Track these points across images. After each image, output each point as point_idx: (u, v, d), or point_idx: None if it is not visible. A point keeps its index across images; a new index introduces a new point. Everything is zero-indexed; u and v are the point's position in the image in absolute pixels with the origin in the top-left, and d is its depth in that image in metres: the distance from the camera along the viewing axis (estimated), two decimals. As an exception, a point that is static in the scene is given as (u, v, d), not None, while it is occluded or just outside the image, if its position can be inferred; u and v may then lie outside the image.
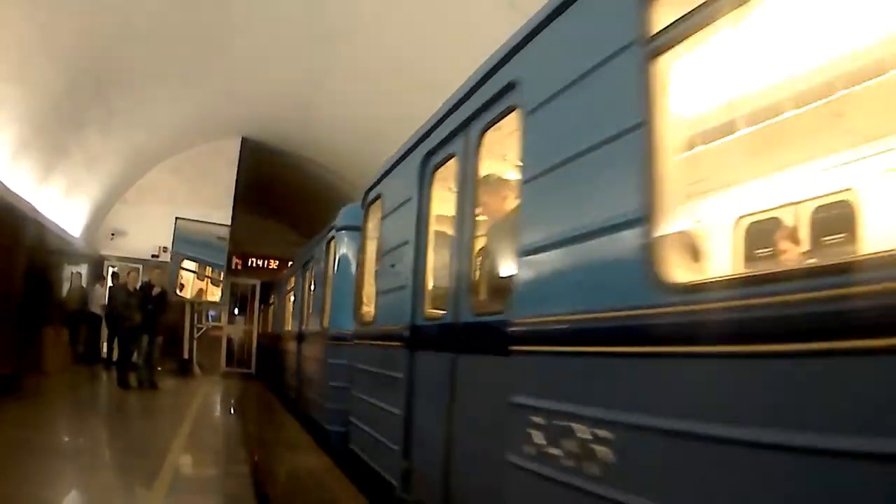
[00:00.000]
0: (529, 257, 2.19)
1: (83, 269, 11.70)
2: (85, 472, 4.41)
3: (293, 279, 10.31)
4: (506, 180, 2.96)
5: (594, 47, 1.95)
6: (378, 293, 4.26)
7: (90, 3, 7.22)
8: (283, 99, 11.26)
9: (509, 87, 2.51)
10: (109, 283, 11.88)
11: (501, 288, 2.51)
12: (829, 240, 2.90)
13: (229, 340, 15.52)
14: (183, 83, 10.14)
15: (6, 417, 5.87)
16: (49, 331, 9.54)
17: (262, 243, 17.24)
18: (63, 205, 10.31)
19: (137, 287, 9.38)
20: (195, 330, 13.10)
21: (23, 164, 8.43)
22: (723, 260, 2.68)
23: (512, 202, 2.70)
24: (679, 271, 1.55)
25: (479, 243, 2.95)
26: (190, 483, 4.32)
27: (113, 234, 12.92)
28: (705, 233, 2.81)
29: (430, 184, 3.47)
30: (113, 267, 12.74)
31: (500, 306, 2.43)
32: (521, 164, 2.38)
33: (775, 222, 2.97)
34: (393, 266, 3.85)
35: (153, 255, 12.98)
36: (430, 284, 3.37)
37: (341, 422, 4.91)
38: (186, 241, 12.69)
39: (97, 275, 12.41)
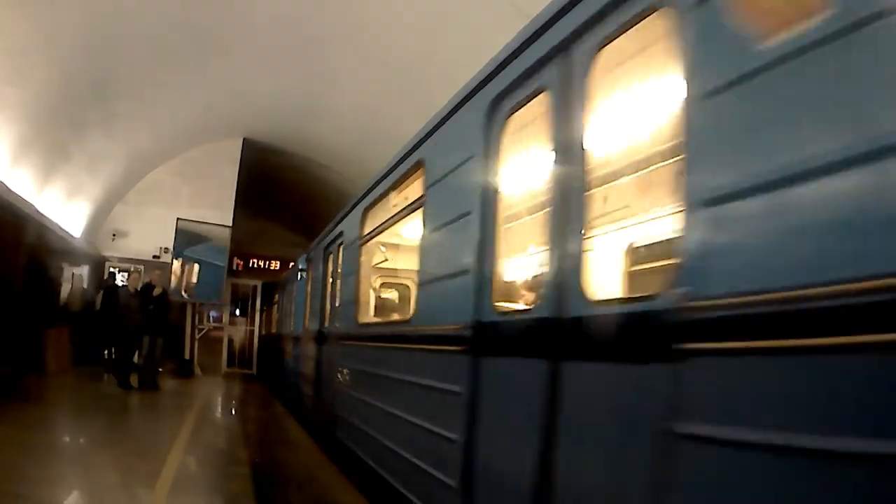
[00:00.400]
0: (337, 305, 5.84)
1: (84, 270, 11.71)
2: (87, 472, 4.42)
3: (277, 295, 13.97)
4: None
5: (351, 234, 5.41)
6: (310, 311, 7.67)
7: (91, 4, 7.23)
8: (285, 100, 11.26)
9: (340, 235, 5.98)
10: (108, 285, 11.91)
11: (327, 315, 6.45)
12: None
13: (230, 341, 15.54)
14: (184, 84, 10.15)
15: (7, 418, 5.88)
16: (50, 331, 9.56)
17: (263, 244, 17.24)
18: (64, 205, 10.33)
19: (138, 288, 9.39)
20: (196, 331, 13.12)
21: (24, 164, 8.45)
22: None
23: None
24: (361, 318, 4.99)
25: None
26: (191, 483, 4.32)
27: (114, 235, 12.93)
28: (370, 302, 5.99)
29: (327, 261, 6.78)
30: (113, 268, 12.77)
31: (328, 324, 6.14)
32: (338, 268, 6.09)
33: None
34: (313, 298, 7.39)
35: (154, 256, 12.99)
36: (327, 309, 6.54)
37: (296, 383, 8.35)
38: (188, 242, 12.70)
39: (100, 276, 12.44)
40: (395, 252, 6.02)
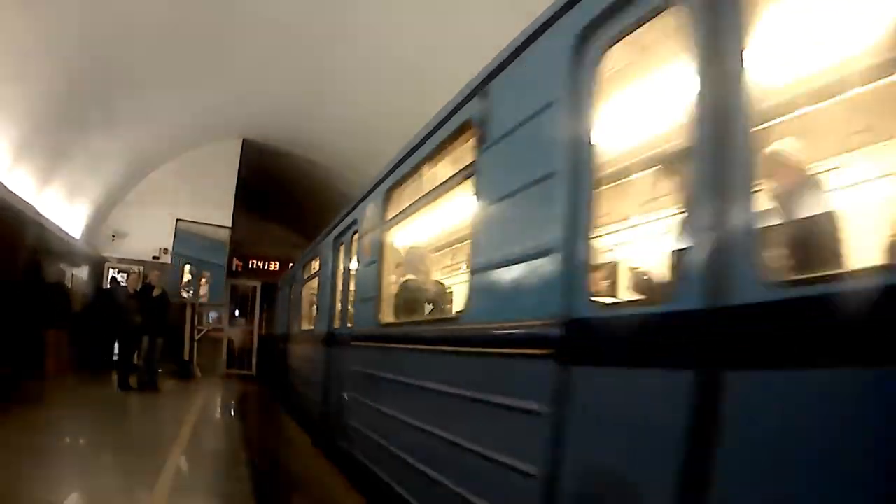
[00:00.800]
0: (293, 317, 9.39)
1: (84, 271, 11.70)
2: (86, 474, 4.41)
3: (270, 302, 16.62)
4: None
5: (299, 277, 9.31)
6: (285, 319, 10.32)
7: (91, 5, 7.23)
8: (285, 101, 11.27)
9: (294, 276, 9.86)
10: (102, 288, 11.93)
11: (290, 323, 9.60)
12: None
13: (230, 342, 15.50)
14: (184, 85, 10.16)
15: (7, 420, 5.87)
16: (50, 333, 9.55)
17: (262, 245, 17.19)
18: (64, 206, 10.32)
19: (138, 289, 9.38)
20: (196, 332, 13.10)
21: (24, 165, 8.44)
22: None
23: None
24: (304, 326, 8.49)
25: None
26: (191, 484, 4.32)
27: (114, 236, 12.92)
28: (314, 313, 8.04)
29: (291, 288, 9.98)
30: (113, 269, 12.76)
31: (291, 328, 9.38)
32: (295, 294, 9.89)
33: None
34: (285, 311, 10.35)
35: (154, 257, 12.99)
36: (290, 319, 9.50)
37: (279, 372, 10.64)
38: (187, 243, 12.70)
39: (99, 277, 12.43)
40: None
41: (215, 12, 8.31)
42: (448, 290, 4.86)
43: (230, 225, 13.27)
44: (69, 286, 10.79)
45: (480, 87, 2.74)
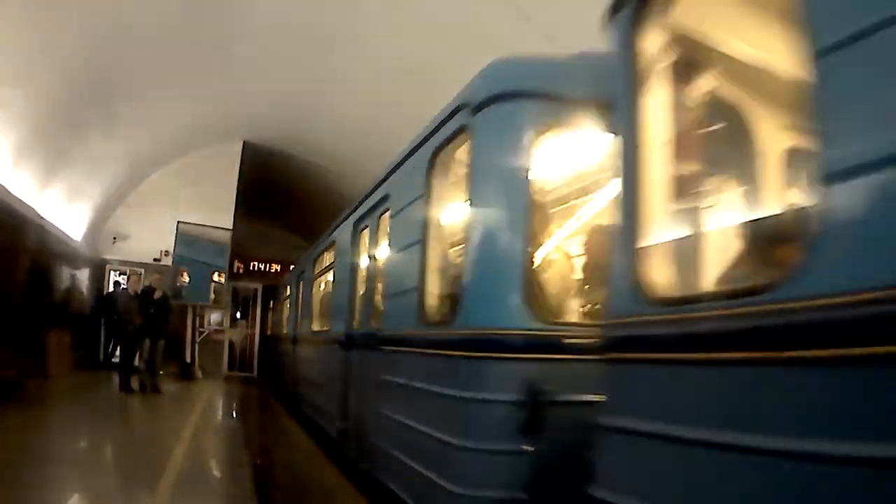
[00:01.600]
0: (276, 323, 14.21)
1: (85, 273, 11.72)
2: (88, 476, 4.41)
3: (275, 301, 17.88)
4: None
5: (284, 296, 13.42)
6: (276, 323, 13.87)
7: (92, 7, 7.25)
8: (286, 102, 11.28)
9: (279, 294, 14.22)
10: (111, 289, 11.94)
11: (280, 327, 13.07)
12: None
13: (231, 344, 15.52)
14: (185, 87, 10.17)
15: (9, 421, 5.87)
16: (51, 335, 9.56)
17: (264, 247, 17.24)
18: (65, 208, 10.34)
19: (139, 291, 9.39)
20: (197, 334, 13.11)
21: (24, 167, 8.46)
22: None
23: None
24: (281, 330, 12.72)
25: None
26: (193, 486, 4.31)
27: (115, 238, 12.94)
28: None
29: (286, 288, 12.43)
30: (115, 271, 12.78)
31: (283, 331, 11.88)
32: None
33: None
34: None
35: (155, 259, 13.00)
36: (280, 323, 12.91)
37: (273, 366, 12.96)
38: (188, 245, 12.71)
39: (100, 280, 12.45)
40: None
41: (216, 14, 8.33)
42: None
43: (231, 227, 13.28)
44: (70, 288, 10.80)
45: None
